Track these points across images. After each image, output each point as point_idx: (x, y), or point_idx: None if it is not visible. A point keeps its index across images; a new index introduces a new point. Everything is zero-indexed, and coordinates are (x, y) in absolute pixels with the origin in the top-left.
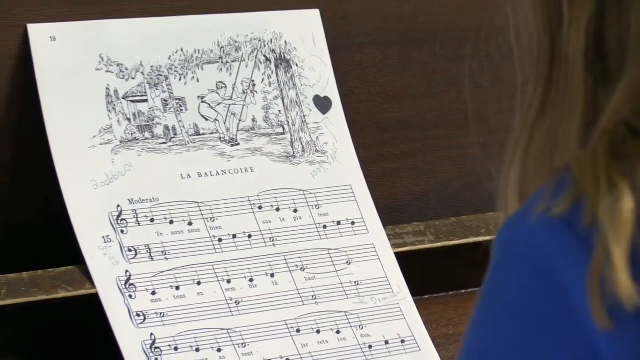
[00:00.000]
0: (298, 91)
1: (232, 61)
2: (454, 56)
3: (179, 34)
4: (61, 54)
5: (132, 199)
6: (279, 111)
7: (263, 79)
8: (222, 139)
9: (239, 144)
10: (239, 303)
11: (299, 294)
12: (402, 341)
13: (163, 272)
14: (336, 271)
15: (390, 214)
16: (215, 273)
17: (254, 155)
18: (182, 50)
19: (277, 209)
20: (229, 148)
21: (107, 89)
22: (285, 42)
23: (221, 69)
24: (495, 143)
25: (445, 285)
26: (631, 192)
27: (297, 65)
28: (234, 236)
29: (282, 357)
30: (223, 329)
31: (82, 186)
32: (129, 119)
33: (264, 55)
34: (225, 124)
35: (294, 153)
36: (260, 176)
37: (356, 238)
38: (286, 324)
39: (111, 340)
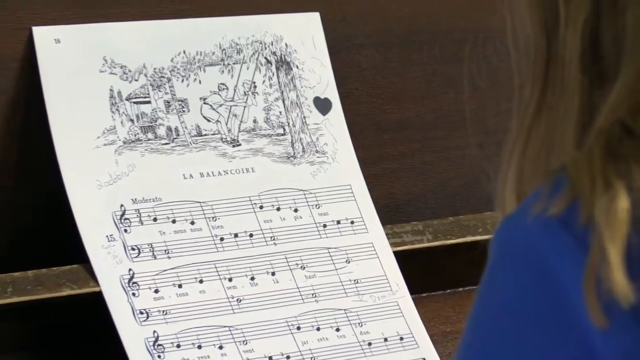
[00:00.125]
0: (298, 93)
1: (234, 63)
2: (453, 58)
3: (181, 36)
4: (65, 56)
5: (135, 199)
6: (280, 112)
7: (264, 81)
8: (223, 140)
9: (240, 145)
10: (240, 301)
11: (299, 292)
12: (401, 338)
13: (166, 270)
14: (336, 270)
15: (389, 213)
16: (217, 271)
17: (255, 156)
18: (184, 52)
19: (278, 209)
20: (231, 149)
21: (110, 90)
22: (286, 45)
23: (223, 71)
24: (492, 144)
25: (443, 284)
26: (626, 191)
27: (297, 67)
28: (236, 235)
29: (282, 354)
30: (225, 327)
31: (86, 186)
32: (132, 120)
33: (265, 58)
34: (226, 125)
35: (294, 153)
36: (261, 176)
37: (355, 237)
38: (287, 322)
39: (115, 338)
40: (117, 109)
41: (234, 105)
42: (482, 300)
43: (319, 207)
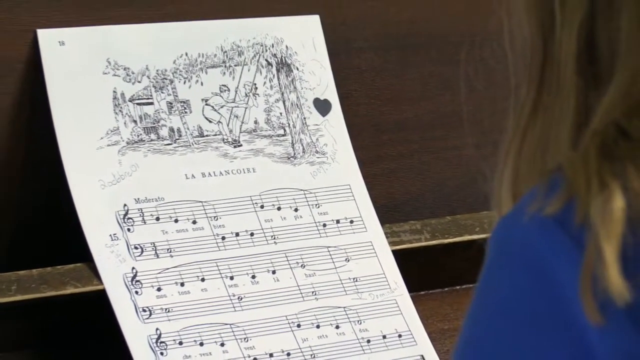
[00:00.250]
0: (298, 94)
1: (235, 65)
2: (449, 61)
3: (183, 38)
4: (69, 58)
5: (138, 199)
6: (280, 113)
7: (265, 83)
8: (225, 141)
9: (241, 145)
10: (241, 299)
11: (299, 290)
12: (399, 336)
13: (168, 269)
14: (335, 268)
15: (388, 212)
16: (219, 270)
17: (256, 156)
18: (186, 54)
19: (279, 208)
20: (232, 149)
21: (114, 92)
22: (287, 47)
23: (224, 73)
24: (489, 144)
25: (440, 282)
26: (622, 191)
27: (297, 69)
28: (237, 234)
29: (283, 351)
30: (226, 324)
31: (90, 186)
32: (135, 121)
33: (266, 60)
34: (228, 125)
35: (294, 154)
36: (262, 176)
37: (355, 236)
38: (287, 319)
39: (118, 335)
40: (120, 110)
41: (236, 107)
42: (479, 299)
43: (318, 207)
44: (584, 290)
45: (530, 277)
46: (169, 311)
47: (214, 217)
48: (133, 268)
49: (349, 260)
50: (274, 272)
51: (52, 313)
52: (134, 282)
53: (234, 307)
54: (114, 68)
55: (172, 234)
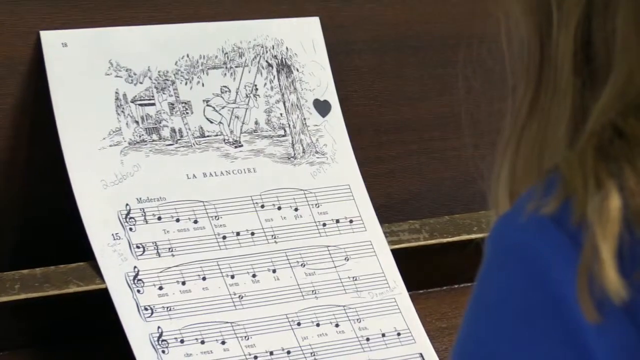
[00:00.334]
0: (299, 95)
1: (236, 66)
2: (447, 62)
3: (185, 40)
4: (72, 59)
5: (140, 198)
6: (281, 114)
7: (265, 84)
8: (226, 141)
9: (242, 146)
10: (242, 297)
11: (299, 288)
12: (398, 334)
13: (170, 268)
14: (335, 267)
15: (387, 212)
16: (220, 269)
17: (256, 157)
18: (188, 56)
19: (279, 208)
20: (233, 149)
21: (116, 93)
22: (287, 49)
23: (225, 74)
24: (487, 145)
25: (439, 281)
26: (618, 191)
27: (297, 70)
28: (238, 234)
29: (283, 349)
30: (227, 322)
31: (92, 186)
32: (137, 122)
33: (266, 61)
34: (229, 126)
35: (294, 154)
36: (263, 176)
37: (354, 235)
38: (287, 318)
39: (120, 333)
40: (122, 111)
41: (236, 108)
42: (477, 297)
43: (318, 207)
44: (581, 289)
45: (528, 275)
46: (170, 310)
47: (215, 216)
48: (135, 267)
49: (348, 260)
50: (274, 271)
51: (55, 311)
52: (135, 281)
53: (234, 305)
54: (116, 69)
55: (174, 233)
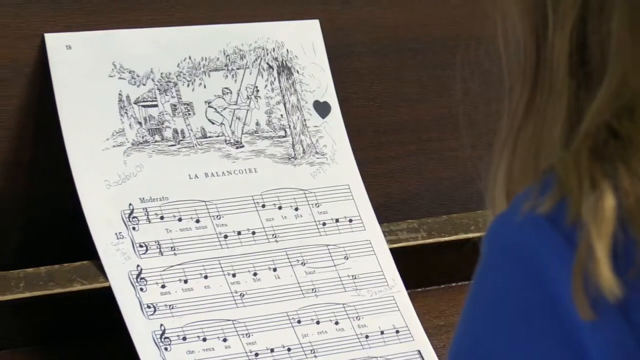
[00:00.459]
0: (299, 96)
1: (237, 68)
2: (446, 64)
3: (187, 42)
4: (76, 61)
5: (143, 198)
6: (281, 115)
7: (266, 85)
8: (227, 142)
9: (243, 146)
10: (243, 296)
11: (299, 287)
12: (397, 331)
13: (172, 266)
14: (335, 266)
15: (386, 212)
16: (221, 267)
17: (257, 157)
18: (190, 58)
19: (279, 207)
20: (234, 150)
21: (119, 94)
22: (287, 51)
23: (227, 76)
24: (484, 145)
25: (437, 279)
26: (612, 191)
27: (298, 72)
28: (239, 233)
29: (284, 347)
30: (228, 320)
31: (96, 186)
32: (140, 123)
33: (267, 63)
34: (230, 127)
35: (295, 155)
36: (264, 176)
37: (353, 234)
38: (288, 315)
39: (123, 331)
40: (125, 112)
41: (238, 109)
42: (474, 296)
43: (318, 206)
44: (576, 287)
45: (524, 275)
46: (172, 307)
47: (217, 216)
48: (138, 265)
49: (348, 258)
50: (275, 269)
51: (59, 309)
52: (138, 279)
53: (236, 303)
54: (119, 71)
55: (176, 232)
